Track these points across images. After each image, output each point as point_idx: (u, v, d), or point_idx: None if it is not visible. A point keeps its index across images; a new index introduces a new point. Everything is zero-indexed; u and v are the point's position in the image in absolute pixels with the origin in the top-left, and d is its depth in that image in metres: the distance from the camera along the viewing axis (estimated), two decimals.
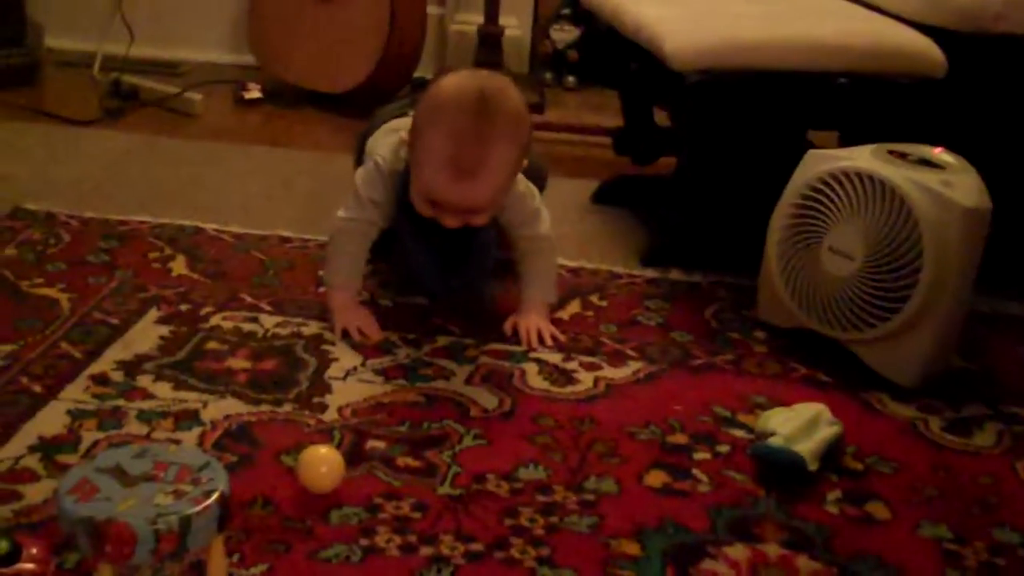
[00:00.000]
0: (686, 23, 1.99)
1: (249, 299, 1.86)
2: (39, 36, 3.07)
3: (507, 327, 1.82)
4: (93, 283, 1.87)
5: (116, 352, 1.66)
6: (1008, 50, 2.01)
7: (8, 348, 1.64)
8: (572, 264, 2.08)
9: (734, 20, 2.01)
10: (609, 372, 1.72)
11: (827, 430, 1.53)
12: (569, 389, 1.67)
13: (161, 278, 1.91)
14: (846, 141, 2.16)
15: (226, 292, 1.87)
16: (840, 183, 1.75)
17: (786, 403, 1.62)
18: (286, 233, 2.12)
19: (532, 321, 1.82)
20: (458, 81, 1.68)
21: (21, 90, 2.88)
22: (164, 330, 1.74)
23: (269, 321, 1.79)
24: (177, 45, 3.28)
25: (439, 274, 1.86)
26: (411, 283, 1.91)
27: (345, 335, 1.76)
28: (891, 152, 1.78)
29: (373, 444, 1.49)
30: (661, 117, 2.38)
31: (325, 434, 1.50)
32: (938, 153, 1.78)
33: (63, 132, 2.62)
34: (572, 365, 1.73)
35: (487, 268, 1.90)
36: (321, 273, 1.89)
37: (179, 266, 1.96)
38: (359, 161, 1.97)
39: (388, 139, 1.84)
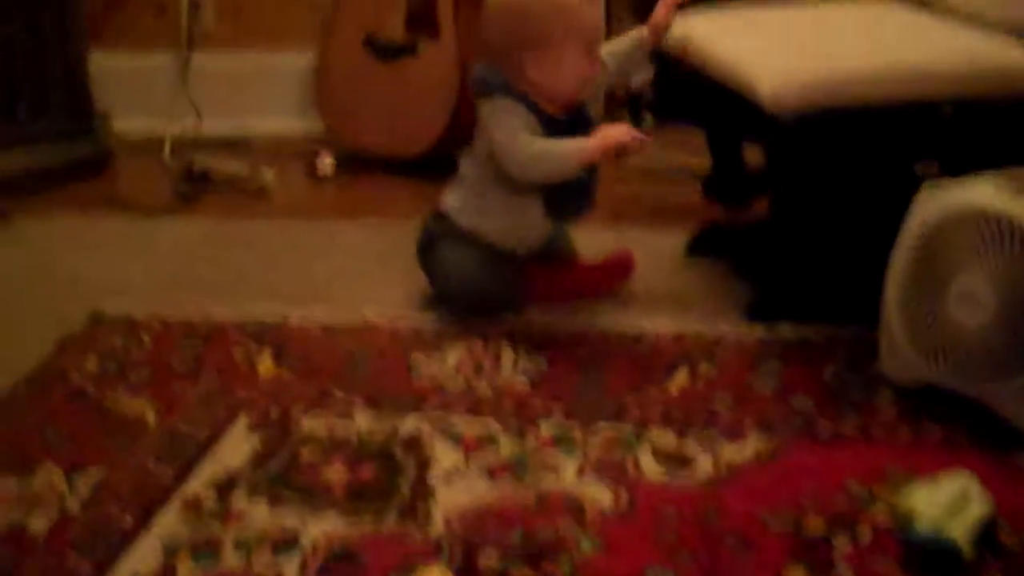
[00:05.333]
0: (778, 61, 1.88)
1: (340, 395, 1.77)
2: (107, 124, 3.03)
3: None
4: (178, 390, 1.80)
5: (207, 469, 1.58)
6: None
7: (95, 474, 1.57)
8: (674, 327, 1.97)
9: (827, 53, 1.90)
10: (729, 451, 1.60)
11: (978, 508, 1.40)
12: (688, 474, 1.55)
13: (248, 380, 1.83)
14: (948, 169, 2.02)
15: (316, 389, 1.79)
16: (962, 223, 1.61)
17: (925, 473, 1.49)
18: (373, 316, 2.03)
19: None
20: None
21: (92, 180, 2.83)
22: (255, 439, 1.65)
23: (363, 419, 1.70)
24: (245, 118, 3.21)
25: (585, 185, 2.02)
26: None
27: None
28: (1014, 182, 1.64)
29: (485, 559, 1.38)
30: (751, 153, 2.27)
31: (433, 549, 1.40)
32: None
33: (136, 223, 2.56)
34: (688, 446, 1.62)
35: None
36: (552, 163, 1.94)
37: (266, 364, 1.88)
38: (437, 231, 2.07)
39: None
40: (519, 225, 2.03)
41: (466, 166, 2.06)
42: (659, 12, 2.05)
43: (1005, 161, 1.73)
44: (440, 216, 2.07)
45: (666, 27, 2.06)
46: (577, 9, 1.95)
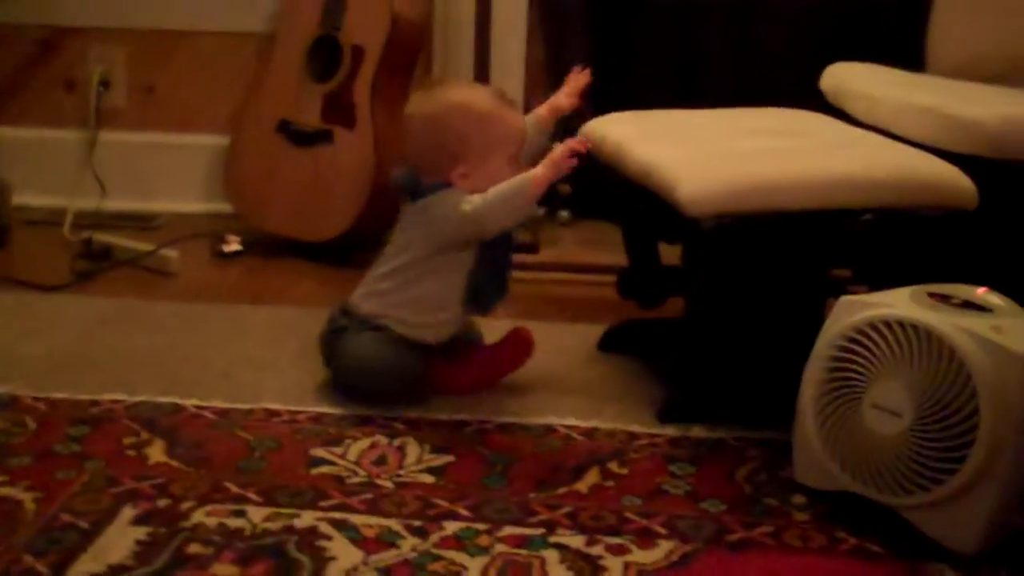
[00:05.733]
0: (697, 165, 1.86)
1: (234, 488, 1.68)
2: (7, 196, 2.92)
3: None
4: (61, 478, 1.69)
5: (86, 564, 1.47)
6: None
7: None
8: (585, 424, 1.92)
9: (748, 159, 1.89)
10: (638, 556, 1.54)
11: None
12: None
13: (136, 468, 1.73)
14: (862, 279, 2.02)
15: (208, 481, 1.69)
16: (880, 333, 1.59)
17: None
18: (273, 406, 1.95)
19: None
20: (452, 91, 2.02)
21: None
22: (140, 532, 1.55)
23: (257, 514, 1.61)
24: (151, 197, 3.13)
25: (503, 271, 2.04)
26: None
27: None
28: (932, 295, 1.63)
29: None
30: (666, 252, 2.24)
31: None
32: (983, 294, 1.64)
33: (32, 300, 2.46)
34: (597, 549, 1.55)
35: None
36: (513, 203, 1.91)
37: (156, 452, 1.78)
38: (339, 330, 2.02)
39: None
40: (435, 316, 1.99)
41: (382, 264, 2.01)
42: (560, 95, 2.08)
43: (920, 271, 1.73)
44: (347, 310, 2.01)
45: (566, 109, 2.08)
46: (494, 116, 1.95)
